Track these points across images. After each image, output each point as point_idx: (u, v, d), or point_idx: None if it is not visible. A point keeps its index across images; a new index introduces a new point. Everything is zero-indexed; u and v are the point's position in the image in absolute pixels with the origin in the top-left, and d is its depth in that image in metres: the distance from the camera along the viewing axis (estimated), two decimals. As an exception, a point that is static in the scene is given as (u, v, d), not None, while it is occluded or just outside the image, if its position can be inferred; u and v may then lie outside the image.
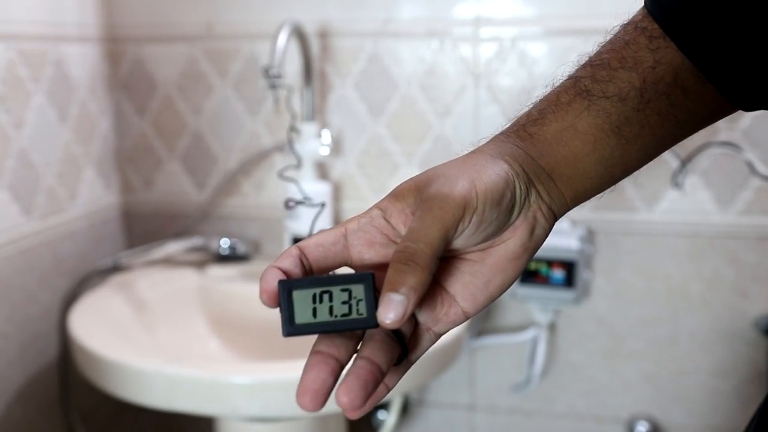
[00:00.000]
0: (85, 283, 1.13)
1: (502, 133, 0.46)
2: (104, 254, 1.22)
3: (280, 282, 0.39)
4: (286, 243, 1.11)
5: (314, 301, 0.40)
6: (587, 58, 0.42)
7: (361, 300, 0.39)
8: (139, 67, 1.21)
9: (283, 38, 0.96)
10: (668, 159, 1.06)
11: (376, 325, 0.37)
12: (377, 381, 0.37)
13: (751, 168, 1.03)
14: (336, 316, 0.40)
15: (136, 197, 1.27)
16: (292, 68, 1.14)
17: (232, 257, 1.21)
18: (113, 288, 1.07)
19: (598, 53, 0.42)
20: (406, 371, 0.42)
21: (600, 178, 0.45)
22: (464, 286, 0.40)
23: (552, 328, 1.16)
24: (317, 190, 1.10)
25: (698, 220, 1.08)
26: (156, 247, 1.17)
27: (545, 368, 1.18)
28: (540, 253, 1.05)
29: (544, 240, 0.42)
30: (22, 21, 1.02)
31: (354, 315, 0.39)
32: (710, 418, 1.14)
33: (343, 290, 0.40)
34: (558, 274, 1.07)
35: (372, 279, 0.39)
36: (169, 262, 1.19)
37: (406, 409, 1.24)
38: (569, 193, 0.44)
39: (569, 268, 1.06)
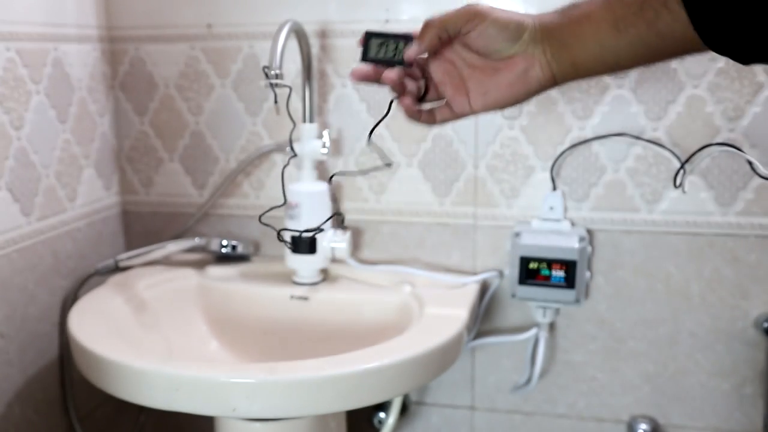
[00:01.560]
0: (85, 283, 1.13)
1: (554, 10, 0.60)
2: (104, 254, 1.22)
3: (366, 32, 0.67)
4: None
5: (379, 47, 0.66)
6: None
7: (402, 50, 0.65)
8: (139, 67, 1.21)
9: (283, 38, 0.96)
10: (668, 159, 1.06)
11: (402, 62, 0.64)
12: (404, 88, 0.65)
13: (752, 168, 1.03)
14: (387, 56, 0.65)
15: (135, 197, 1.27)
16: (292, 68, 1.14)
17: (231, 257, 1.21)
18: (113, 288, 1.07)
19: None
20: (435, 122, 0.66)
21: (595, 58, 0.57)
22: (473, 88, 0.60)
23: (552, 328, 1.16)
24: (316, 190, 1.10)
25: (698, 220, 1.08)
26: (156, 247, 1.17)
27: (545, 368, 1.18)
28: (540, 253, 1.06)
29: (537, 87, 0.59)
30: (22, 21, 1.02)
31: (397, 57, 0.65)
32: (710, 418, 1.14)
33: (396, 43, 0.65)
34: (558, 274, 1.07)
35: (412, 38, 0.65)
36: (168, 262, 1.19)
37: (406, 409, 1.24)
38: (569, 59, 0.58)
39: (569, 268, 1.06)
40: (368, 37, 0.67)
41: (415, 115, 0.66)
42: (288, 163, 1.06)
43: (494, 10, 0.60)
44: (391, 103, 0.69)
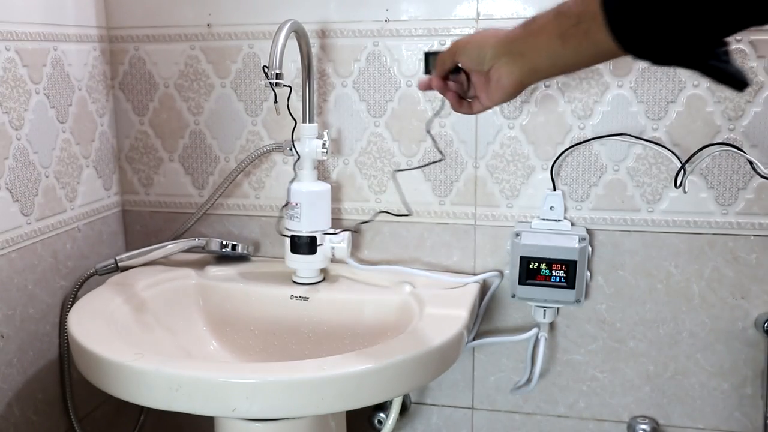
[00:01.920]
0: (84, 283, 1.13)
1: (521, 23, 0.72)
2: (104, 254, 1.22)
3: (425, 52, 0.98)
4: (286, 243, 1.11)
5: (434, 62, 0.82)
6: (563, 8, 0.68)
7: None
8: (139, 66, 1.21)
9: (283, 38, 0.96)
10: (668, 159, 1.06)
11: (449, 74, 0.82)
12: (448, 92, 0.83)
13: (752, 167, 1.03)
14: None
15: (135, 197, 1.27)
16: (292, 68, 1.14)
17: (231, 257, 1.21)
18: (113, 288, 1.07)
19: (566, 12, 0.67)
20: (473, 112, 0.82)
21: (549, 64, 0.69)
22: (480, 90, 0.77)
23: (552, 328, 1.16)
24: (316, 189, 1.10)
25: (699, 220, 1.08)
26: (156, 247, 1.17)
27: (545, 368, 1.18)
28: (540, 253, 1.06)
29: (512, 90, 0.73)
30: (22, 21, 1.02)
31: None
32: (710, 419, 1.14)
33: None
34: (558, 274, 1.07)
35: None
36: (168, 262, 1.19)
37: (406, 409, 1.24)
38: (529, 66, 0.71)
39: (569, 268, 1.06)
40: (427, 56, 0.93)
41: (457, 107, 0.83)
42: (298, 158, 1.08)
43: (470, 39, 0.77)
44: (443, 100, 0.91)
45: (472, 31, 1.09)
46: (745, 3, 0.56)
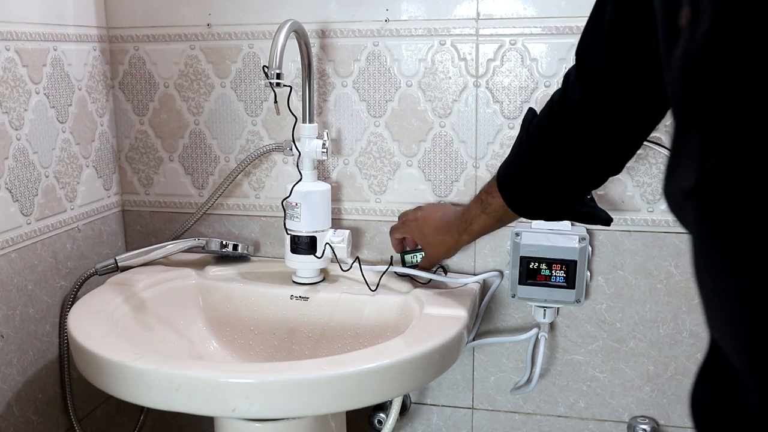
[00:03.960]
0: (84, 283, 1.13)
1: (459, 220, 1.02)
2: (104, 254, 1.22)
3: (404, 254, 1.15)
4: (286, 243, 1.11)
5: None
6: (483, 193, 0.96)
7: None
8: (139, 66, 1.21)
9: (283, 38, 0.96)
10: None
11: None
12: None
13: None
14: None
15: (135, 197, 1.27)
16: (292, 68, 1.14)
17: (231, 257, 1.21)
18: (113, 288, 1.07)
19: (485, 191, 0.95)
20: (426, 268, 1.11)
21: (487, 231, 1.00)
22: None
23: (552, 328, 1.16)
24: (316, 189, 1.10)
25: (698, 220, 1.08)
26: (156, 247, 1.17)
27: (545, 368, 1.18)
28: (540, 253, 1.06)
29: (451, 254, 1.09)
30: (22, 21, 1.02)
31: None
32: (711, 418, 1.13)
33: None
34: (558, 274, 1.07)
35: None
36: (168, 262, 1.19)
37: (406, 409, 1.24)
38: (472, 237, 1.02)
39: (569, 268, 1.06)
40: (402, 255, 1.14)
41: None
42: (299, 156, 1.09)
43: (438, 253, 1.09)
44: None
45: (469, 31, 1.09)
46: (571, 186, 0.86)
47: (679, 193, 0.52)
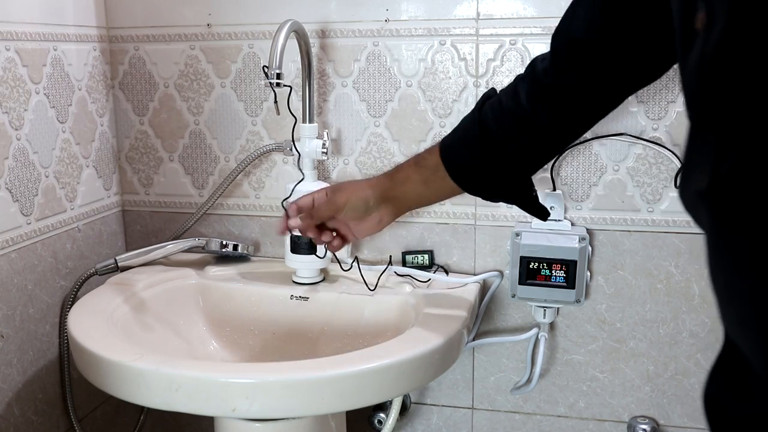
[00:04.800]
0: (84, 283, 1.13)
1: (384, 174, 0.92)
2: (104, 254, 1.22)
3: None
4: (286, 243, 1.11)
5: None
6: (423, 152, 0.89)
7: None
8: (139, 66, 1.21)
9: (283, 38, 0.96)
10: (668, 159, 1.06)
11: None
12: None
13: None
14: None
15: (135, 197, 1.27)
16: (292, 68, 1.14)
17: (231, 257, 1.21)
18: (113, 288, 1.07)
19: (427, 150, 0.88)
20: (341, 246, 0.95)
21: (418, 201, 0.91)
22: (348, 233, 0.93)
23: (552, 328, 1.16)
24: (316, 190, 1.10)
25: (698, 220, 1.08)
26: (156, 247, 1.17)
27: (545, 368, 1.18)
28: (540, 253, 1.06)
29: (390, 222, 0.92)
30: (22, 21, 1.02)
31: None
32: (711, 418, 1.13)
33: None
34: (558, 274, 1.07)
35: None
36: (168, 262, 1.19)
37: (406, 409, 1.24)
38: (403, 206, 0.91)
39: (569, 268, 1.06)
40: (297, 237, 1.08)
41: (333, 246, 0.94)
42: (299, 156, 1.09)
43: (347, 191, 0.90)
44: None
45: (469, 31, 1.09)
46: (518, 162, 0.83)
47: (694, 195, 0.52)
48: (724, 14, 0.45)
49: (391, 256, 1.17)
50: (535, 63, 0.81)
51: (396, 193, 0.90)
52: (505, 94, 0.82)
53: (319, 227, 0.91)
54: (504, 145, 0.82)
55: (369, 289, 1.09)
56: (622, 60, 0.75)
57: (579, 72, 0.77)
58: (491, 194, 0.87)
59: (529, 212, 0.89)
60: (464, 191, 0.87)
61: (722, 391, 0.55)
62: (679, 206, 1.10)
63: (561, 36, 0.79)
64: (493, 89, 0.87)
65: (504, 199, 0.87)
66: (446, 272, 1.15)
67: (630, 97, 1.05)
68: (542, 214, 0.89)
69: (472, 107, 0.86)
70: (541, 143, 0.83)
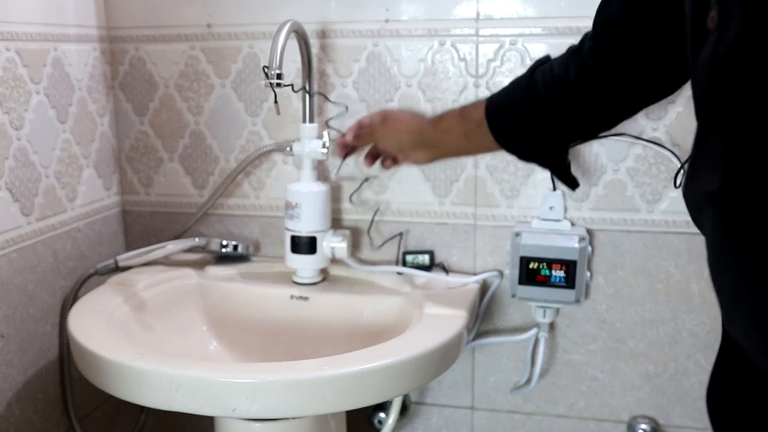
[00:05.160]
0: (85, 283, 1.13)
1: (429, 120, 0.98)
2: (104, 254, 1.22)
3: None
4: (287, 243, 1.11)
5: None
6: (469, 105, 0.93)
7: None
8: (139, 66, 1.21)
9: (283, 38, 0.96)
10: (668, 159, 1.06)
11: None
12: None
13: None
14: None
15: (136, 197, 1.27)
16: (292, 68, 1.14)
17: (232, 257, 1.21)
18: (113, 288, 1.07)
19: (472, 104, 0.92)
20: (396, 164, 1.04)
21: (455, 152, 0.97)
22: (393, 159, 1.03)
23: (552, 328, 1.16)
24: (316, 190, 1.10)
25: (698, 220, 1.08)
26: (156, 247, 1.17)
27: (545, 368, 1.18)
28: (540, 253, 1.06)
29: (424, 164, 1.06)
30: (22, 21, 1.02)
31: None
32: (710, 418, 1.14)
33: None
34: (558, 274, 1.07)
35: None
36: (168, 262, 1.19)
37: (406, 409, 1.24)
38: (439, 153, 0.96)
39: (569, 268, 1.06)
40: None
41: (385, 164, 1.05)
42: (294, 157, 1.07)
43: (388, 128, 0.99)
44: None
45: (469, 31, 1.09)
46: (560, 131, 0.85)
47: (701, 195, 0.52)
48: (740, 15, 0.45)
49: (391, 256, 1.17)
50: (584, 40, 0.81)
51: (436, 141, 0.94)
52: (557, 65, 0.83)
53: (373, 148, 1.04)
54: (549, 113, 0.83)
55: (369, 289, 1.09)
56: (653, 51, 0.75)
57: (614, 57, 0.77)
58: (528, 156, 0.89)
59: (560, 179, 0.91)
60: (503, 149, 0.89)
61: (726, 391, 0.55)
62: (679, 206, 1.10)
63: (600, 16, 0.79)
64: (547, 56, 0.88)
65: (539, 163, 0.89)
66: (446, 272, 1.16)
67: (630, 97, 1.06)
68: (572, 183, 0.91)
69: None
70: (583, 121, 0.84)
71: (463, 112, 0.92)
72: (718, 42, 0.47)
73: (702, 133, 0.54)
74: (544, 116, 0.83)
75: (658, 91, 0.81)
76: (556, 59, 0.84)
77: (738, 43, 0.45)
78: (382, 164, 1.03)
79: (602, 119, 0.85)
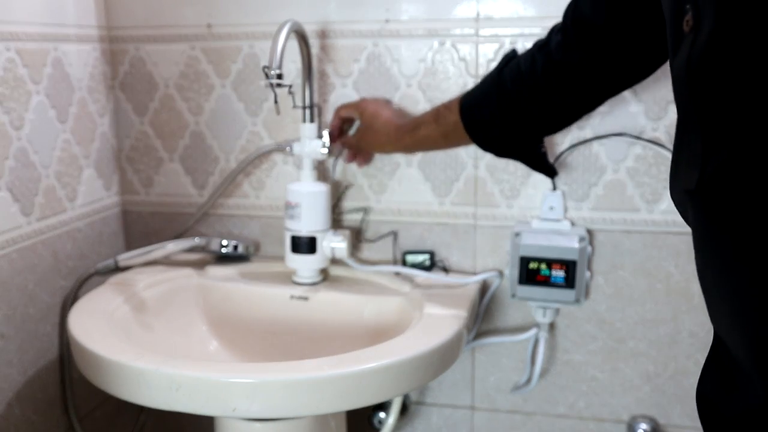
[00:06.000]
0: (85, 283, 1.13)
1: (405, 128, 1.04)
2: (104, 254, 1.22)
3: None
4: (287, 243, 1.11)
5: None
6: (442, 107, 0.98)
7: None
8: (139, 67, 1.21)
9: (283, 38, 0.96)
10: (668, 159, 1.06)
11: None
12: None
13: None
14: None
15: (136, 197, 1.27)
16: (292, 68, 1.14)
17: (232, 257, 1.21)
18: (113, 288, 1.07)
19: (445, 106, 0.97)
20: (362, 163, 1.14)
21: (432, 148, 1.06)
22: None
23: (552, 328, 1.16)
24: (316, 190, 1.10)
25: (698, 220, 1.08)
26: (156, 247, 1.17)
27: (545, 368, 1.18)
28: (540, 253, 1.06)
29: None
30: (22, 21, 1.02)
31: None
32: (710, 418, 1.14)
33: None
34: (558, 274, 1.07)
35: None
36: (168, 262, 1.19)
37: (406, 409, 1.24)
38: (418, 151, 1.08)
39: (569, 268, 1.06)
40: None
41: (355, 159, 1.13)
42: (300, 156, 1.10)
43: (371, 140, 1.07)
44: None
45: (469, 31, 1.09)
46: (531, 125, 0.89)
47: (682, 193, 0.53)
48: (712, 16, 0.46)
49: (391, 256, 1.17)
50: (551, 34, 0.84)
51: (414, 147, 1.04)
52: (524, 60, 0.87)
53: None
54: (519, 108, 0.87)
55: (369, 289, 1.09)
56: (624, 48, 0.78)
57: (584, 52, 0.80)
58: (503, 152, 0.94)
59: (537, 170, 0.95)
60: (479, 147, 0.95)
61: (713, 389, 0.55)
62: (678, 206, 1.10)
63: (571, 12, 0.82)
64: (513, 50, 0.92)
65: (515, 158, 0.94)
66: (446, 272, 1.16)
67: (630, 98, 1.06)
68: (550, 171, 0.95)
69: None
70: (552, 114, 0.88)
71: (437, 116, 0.97)
72: (693, 44, 0.48)
73: (680, 132, 0.55)
74: (514, 111, 0.87)
75: (624, 83, 0.85)
76: (521, 56, 0.88)
77: (710, 44, 0.46)
78: (357, 163, 1.13)
79: (571, 111, 0.88)
